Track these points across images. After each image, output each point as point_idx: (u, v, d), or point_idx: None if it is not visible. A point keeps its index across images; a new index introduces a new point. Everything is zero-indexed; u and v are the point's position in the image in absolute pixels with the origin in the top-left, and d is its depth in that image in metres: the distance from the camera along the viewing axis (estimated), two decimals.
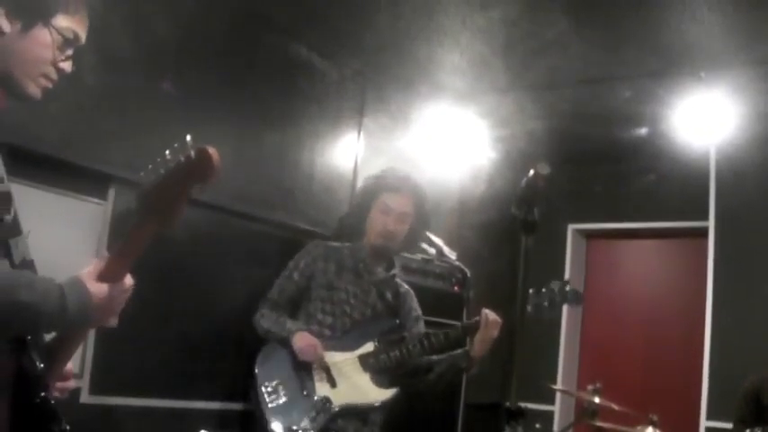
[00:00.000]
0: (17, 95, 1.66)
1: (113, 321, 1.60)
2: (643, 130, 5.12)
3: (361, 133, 4.96)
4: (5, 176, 1.62)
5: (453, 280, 4.65)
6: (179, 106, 3.75)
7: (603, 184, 5.82)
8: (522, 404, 1.84)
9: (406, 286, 3.43)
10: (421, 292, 4.42)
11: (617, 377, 5.44)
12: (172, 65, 3.79)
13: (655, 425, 3.54)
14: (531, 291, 3.15)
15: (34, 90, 1.67)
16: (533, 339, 5.36)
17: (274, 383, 2.98)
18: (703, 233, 5.12)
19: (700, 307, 5.03)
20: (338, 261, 3.20)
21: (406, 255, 4.52)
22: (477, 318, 3.08)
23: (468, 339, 3.17)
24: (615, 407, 3.61)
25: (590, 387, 3.66)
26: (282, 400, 2.94)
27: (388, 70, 4.94)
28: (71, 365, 1.77)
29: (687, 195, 5.30)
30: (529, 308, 3.13)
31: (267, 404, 2.92)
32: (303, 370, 3.00)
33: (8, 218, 1.60)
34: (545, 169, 1.88)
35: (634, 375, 5.67)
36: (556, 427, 5.52)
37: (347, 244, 3.30)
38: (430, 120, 5.27)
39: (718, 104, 4.61)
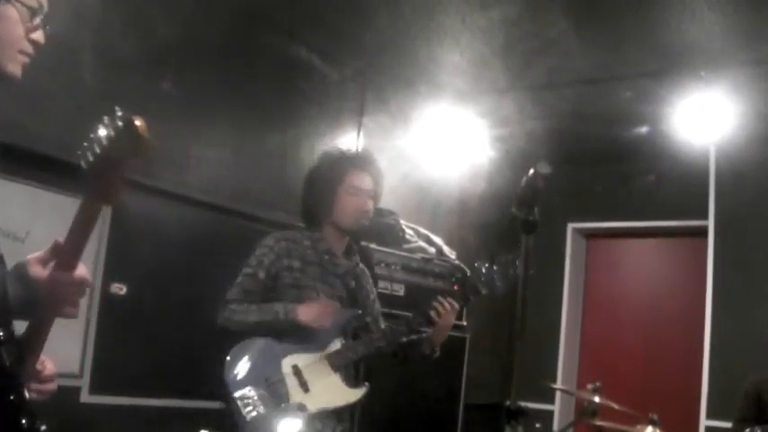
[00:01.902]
0: None
1: (71, 312, 1.54)
2: (643, 130, 5.12)
3: (361, 133, 4.96)
4: None
5: (453, 279, 4.65)
6: (179, 106, 3.75)
7: (603, 183, 5.83)
8: (522, 403, 1.84)
9: (362, 265, 3.30)
10: (421, 292, 4.43)
11: (617, 377, 5.44)
12: (172, 65, 3.79)
13: (655, 424, 3.54)
14: (482, 269, 3.14)
15: (15, 68, 1.63)
16: (533, 339, 5.36)
17: (248, 393, 2.85)
18: (703, 233, 5.12)
19: (700, 306, 5.04)
20: (302, 256, 3.07)
21: (405, 254, 4.53)
22: (432, 310, 3.09)
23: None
24: (615, 406, 3.61)
25: (590, 386, 3.66)
26: (259, 410, 2.84)
27: (388, 70, 4.95)
28: (54, 370, 1.74)
29: (687, 195, 5.30)
30: (483, 289, 3.13)
31: (244, 417, 2.83)
32: (274, 375, 2.90)
33: None
34: (545, 169, 1.88)
35: (634, 375, 5.67)
36: (556, 426, 5.52)
37: (306, 233, 3.15)
38: (430, 120, 5.27)
39: (718, 104, 4.61)
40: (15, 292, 1.45)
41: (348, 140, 4.83)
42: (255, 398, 2.84)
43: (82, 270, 1.51)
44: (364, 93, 4.95)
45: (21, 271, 1.47)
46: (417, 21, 4.23)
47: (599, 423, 3.65)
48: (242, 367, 2.91)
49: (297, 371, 2.90)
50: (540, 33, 4.19)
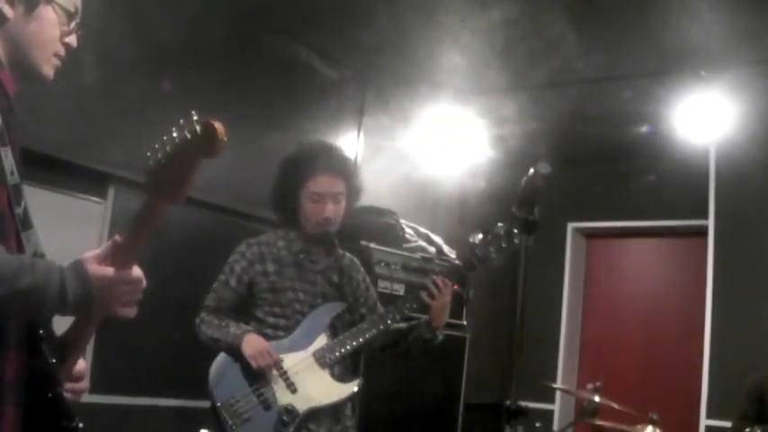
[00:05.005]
0: (32, 78, 1.63)
1: (128, 312, 1.54)
2: (643, 130, 5.12)
3: (361, 133, 4.96)
4: (15, 169, 1.58)
5: (453, 279, 4.64)
6: (179, 106, 3.74)
7: (603, 183, 5.83)
8: (522, 403, 1.84)
9: (348, 255, 3.13)
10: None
11: (617, 376, 5.44)
12: (172, 65, 3.79)
13: (655, 424, 3.55)
14: (477, 239, 2.94)
15: (48, 70, 1.64)
16: (533, 339, 5.36)
17: (233, 402, 2.77)
18: (703, 232, 5.12)
19: (700, 306, 5.04)
20: (276, 259, 2.96)
21: (405, 254, 4.52)
22: (424, 292, 2.92)
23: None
24: (615, 406, 3.61)
25: (590, 386, 3.66)
26: (245, 418, 2.74)
27: (388, 70, 4.95)
28: (84, 366, 1.75)
29: (687, 195, 5.30)
30: (476, 259, 2.92)
31: (231, 427, 2.76)
32: (260, 380, 2.81)
33: (19, 210, 1.57)
34: (545, 169, 1.88)
35: (634, 375, 5.67)
36: (556, 426, 5.52)
37: (280, 233, 3.03)
38: (430, 119, 5.27)
39: (718, 104, 4.61)
40: (74, 290, 1.42)
41: (348, 140, 4.83)
42: (241, 405, 2.77)
43: (138, 270, 1.51)
44: (364, 93, 4.95)
45: (78, 268, 1.44)
46: (417, 20, 4.23)
47: (599, 423, 3.65)
48: (226, 374, 2.83)
49: (282, 372, 2.82)
50: (541, 33, 4.19)
